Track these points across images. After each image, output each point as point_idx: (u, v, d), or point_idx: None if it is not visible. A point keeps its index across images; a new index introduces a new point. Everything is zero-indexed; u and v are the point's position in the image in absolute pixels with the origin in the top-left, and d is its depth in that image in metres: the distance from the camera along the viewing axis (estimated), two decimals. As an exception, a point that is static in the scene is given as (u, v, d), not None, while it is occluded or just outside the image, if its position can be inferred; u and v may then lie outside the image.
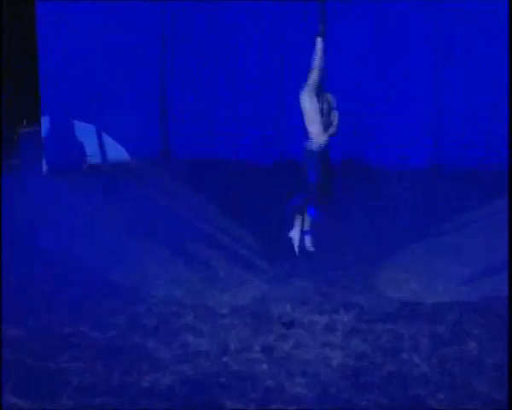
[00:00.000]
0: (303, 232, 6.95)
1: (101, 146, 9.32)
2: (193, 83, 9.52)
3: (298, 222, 6.91)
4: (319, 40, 6.73)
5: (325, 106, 6.96)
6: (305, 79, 7.43)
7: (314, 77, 6.81)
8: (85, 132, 9.18)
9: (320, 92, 6.91)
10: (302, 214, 6.89)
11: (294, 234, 6.91)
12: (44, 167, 8.75)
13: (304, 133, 6.98)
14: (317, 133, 6.90)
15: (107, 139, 9.32)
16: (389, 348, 4.14)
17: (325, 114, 6.94)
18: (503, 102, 8.47)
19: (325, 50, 6.77)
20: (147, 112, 9.58)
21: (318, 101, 6.90)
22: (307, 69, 7.58)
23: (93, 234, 5.81)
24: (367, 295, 4.77)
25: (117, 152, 9.25)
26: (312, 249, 6.87)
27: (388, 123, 9.12)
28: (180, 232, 5.72)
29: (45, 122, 8.96)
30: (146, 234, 5.79)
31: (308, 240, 6.88)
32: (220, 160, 9.30)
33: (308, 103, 6.88)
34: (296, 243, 6.88)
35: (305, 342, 4.09)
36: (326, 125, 6.93)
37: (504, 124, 8.45)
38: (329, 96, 7.04)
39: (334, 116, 6.93)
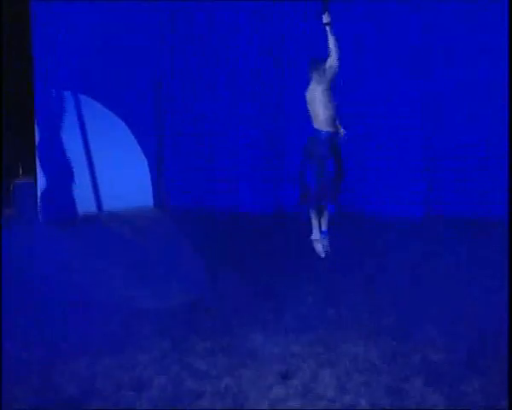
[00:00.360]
0: (321, 233, 6.94)
1: (97, 195, 9.35)
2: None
3: (315, 223, 6.90)
4: (328, 28, 6.75)
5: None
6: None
7: (333, 63, 6.79)
8: (80, 181, 9.25)
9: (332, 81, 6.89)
10: (318, 214, 6.88)
11: (315, 236, 6.91)
12: (40, 217, 8.79)
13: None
14: (322, 121, 6.90)
15: (103, 188, 9.38)
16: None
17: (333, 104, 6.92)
18: (501, 143, 8.48)
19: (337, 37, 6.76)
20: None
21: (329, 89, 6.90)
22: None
23: (86, 287, 5.79)
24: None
25: (112, 201, 9.29)
26: (323, 255, 6.87)
27: (380, 170, 9.09)
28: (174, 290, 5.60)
29: (41, 172, 9.01)
30: (137, 288, 5.74)
31: (323, 242, 6.88)
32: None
33: (319, 90, 6.87)
34: (319, 244, 6.87)
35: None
36: (333, 115, 6.92)
37: (503, 169, 8.40)
38: None
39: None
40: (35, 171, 9.00)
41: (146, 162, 9.70)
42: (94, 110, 9.38)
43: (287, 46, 9.22)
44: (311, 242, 6.86)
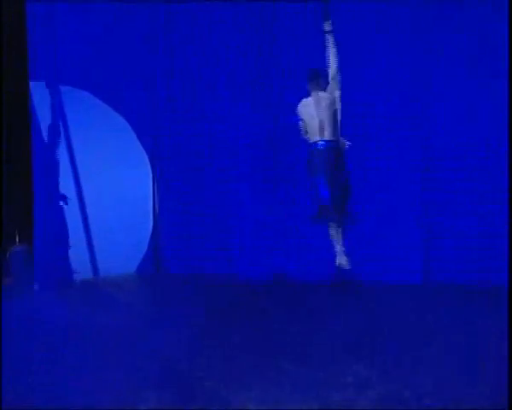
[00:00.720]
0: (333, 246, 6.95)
1: (93, 259, 9.40)
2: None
3: (336, 237, 6.89)
4: (329, 36, 6.76)
5: (326, 104, 6.97)
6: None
7: (334, 73, 6.80)
8: (76, 245, 9.34)
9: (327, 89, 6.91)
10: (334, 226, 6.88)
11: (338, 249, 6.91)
12: (36, 285, 8.84)
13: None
14: (313, 132, 6.92)
15: (99, 252, 9.45)
16: None
17: (326, 113, 6.95)
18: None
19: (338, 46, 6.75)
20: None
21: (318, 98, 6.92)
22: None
23: (84, 357, 5.79)
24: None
25: (108, 265, 9.36)
26: (347, 267, 6.86)
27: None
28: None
29: (37, 237, 9.09)
30: (132, 357, 5.72)
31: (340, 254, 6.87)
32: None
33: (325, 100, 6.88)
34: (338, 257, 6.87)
35: None
36: (325, 125, 6.93)
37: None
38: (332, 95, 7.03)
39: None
40: (32, 237, 9.08)
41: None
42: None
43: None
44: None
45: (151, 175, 9.76)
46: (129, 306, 7.82)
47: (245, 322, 6.78)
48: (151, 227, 9.75)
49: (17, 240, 9.16)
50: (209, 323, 6.76)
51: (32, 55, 9.00)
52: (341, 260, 6.96)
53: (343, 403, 4.46)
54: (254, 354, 5.56)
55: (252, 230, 9.44)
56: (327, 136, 6.88)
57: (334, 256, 8.06)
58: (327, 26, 6.76)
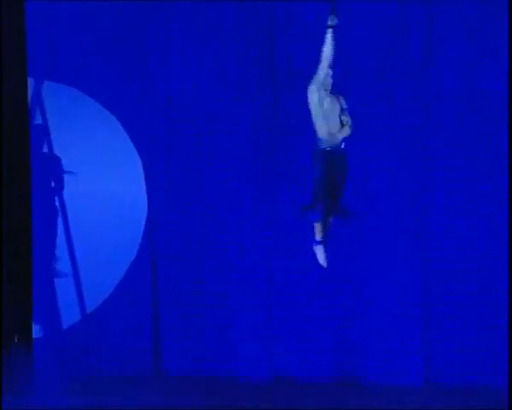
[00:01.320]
0: (315, 242, 6.90)
1: (91, 345, 9.33)
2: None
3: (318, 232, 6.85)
4: (329, 31, 6.69)
5: (337, 106, 6.94)
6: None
7: (323, 70, 6.74)
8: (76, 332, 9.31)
9: (332, 89, 6.89)
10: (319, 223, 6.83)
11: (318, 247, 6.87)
12: (35, 387, 8.74)
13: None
14: (324, 132, 6.88)
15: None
16: None
17: (335, 114, 6.92)
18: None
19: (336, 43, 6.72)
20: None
21: (329, 98, 6.88)
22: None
23: None
24: None
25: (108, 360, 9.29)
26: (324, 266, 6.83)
27: (374, 334, 9.01)
28: None
29: (37, 338, 9.08)
30: None
31: (319, 251, 6.81)
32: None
33: (316, 99, 6.84)
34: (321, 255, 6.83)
35: None
36: (336, 126, 6.91)
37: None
38: (340, 97, 7.01)
39: (346, 117, 6.92)
40: (31, 337, 9.02)
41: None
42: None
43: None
44: None
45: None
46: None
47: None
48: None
49: (16, 339, 9.06)
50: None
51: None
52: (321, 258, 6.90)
53: None
54: None
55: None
56: (341, 136, 6.86)
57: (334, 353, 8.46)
58: (331, 21, 6.68)
